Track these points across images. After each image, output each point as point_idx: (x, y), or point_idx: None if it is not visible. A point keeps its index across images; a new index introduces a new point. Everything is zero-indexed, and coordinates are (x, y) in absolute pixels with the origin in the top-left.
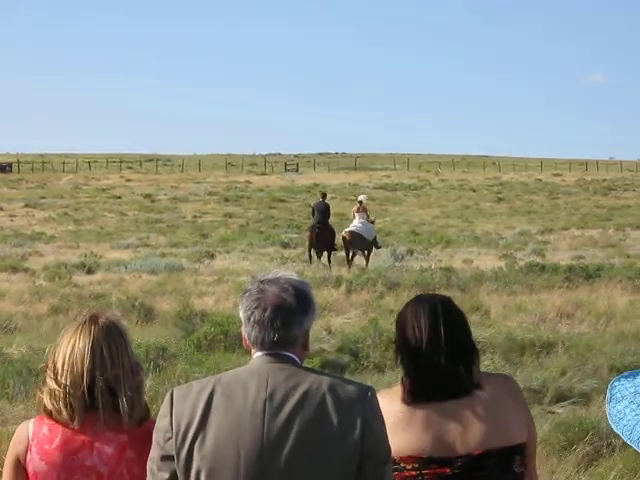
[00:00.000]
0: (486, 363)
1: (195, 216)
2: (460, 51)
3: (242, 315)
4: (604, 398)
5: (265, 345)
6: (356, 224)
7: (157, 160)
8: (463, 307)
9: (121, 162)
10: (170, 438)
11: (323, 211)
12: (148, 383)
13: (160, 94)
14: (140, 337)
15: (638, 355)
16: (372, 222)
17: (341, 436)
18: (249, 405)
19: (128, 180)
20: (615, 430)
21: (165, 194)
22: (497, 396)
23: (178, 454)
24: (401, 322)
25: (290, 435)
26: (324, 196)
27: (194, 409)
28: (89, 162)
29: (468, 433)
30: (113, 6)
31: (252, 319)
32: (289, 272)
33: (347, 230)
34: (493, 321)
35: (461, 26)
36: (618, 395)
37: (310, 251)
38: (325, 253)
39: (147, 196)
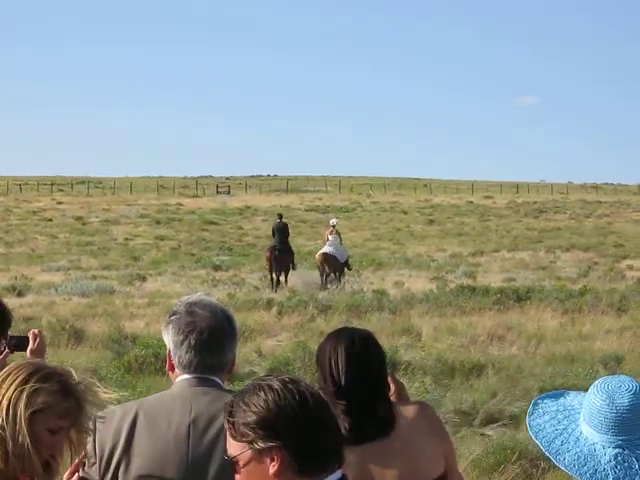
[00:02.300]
0: (416, 385)
1: (126, 239)
2: (390, 71)
3: (172, 338)
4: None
5: (199, 368)
6: (329, 246)
7: (88, 182)
8: (394, 329)
9: (52, 184)
10: (94, 463)
11: (282, 231)
12: None
13: (91, 116)
14: (70, 360)
15: (568, 377)
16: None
17: None
18: (173, 430)
19: (59, 203)
20: (535, 440)
21: (96, 217)
22: (413, 431)
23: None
24: (320, 360)
25: (214, 459)
26: (281, 216)
27: (118, 434)
28: (20, 184)
29: (385, 475)
30: (41, 31)
31: (187, 342)
32: (206, 295)
33: (321, 252)
34: (424, 343)
35: (391, 43)
36: (540, 411)
37: (271, 272)
38: (278, 272)
39: (78, 219)
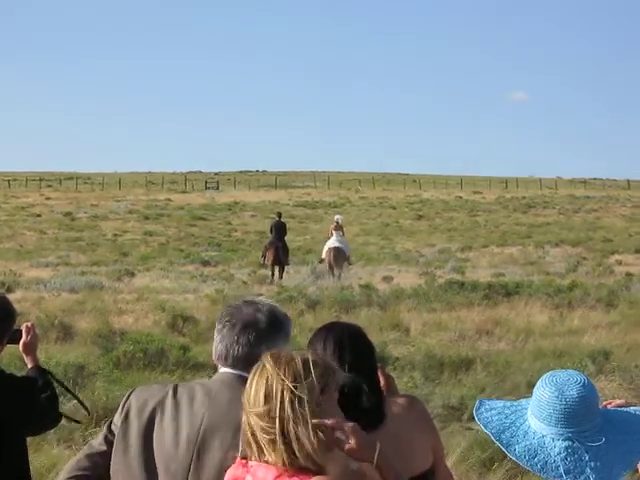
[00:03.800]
0: (405, 380)
1: (115, 234)
2: (381, 68)
3: (215, 330)
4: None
5: (228, 361)
6: (335, 240)
7: (77, 178)
8: (383, 324)
9: (41, 180)
10: (117, 427)
11: (280, 229)
12: (67, 403)
13: (80, 112)
14: (59, 355)
15: None
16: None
17: None
18: (189, 418)
19: (48, 198)
20: (484, 430)
21: (85, 212)
22: (402, 425)
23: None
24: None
25: (213, 458)
26: (279, 215)
27: (144, 406)
28: (8, 180)
29: (374, 469)
30: (22, 21)
31: (221, 334)
32: (270, 299)
33: (330, 247)
34: (413, 338)
35: (380, 42)
36: (487, 406)
37: (273, 267)
38: (277, 268)
39: (67, 214)
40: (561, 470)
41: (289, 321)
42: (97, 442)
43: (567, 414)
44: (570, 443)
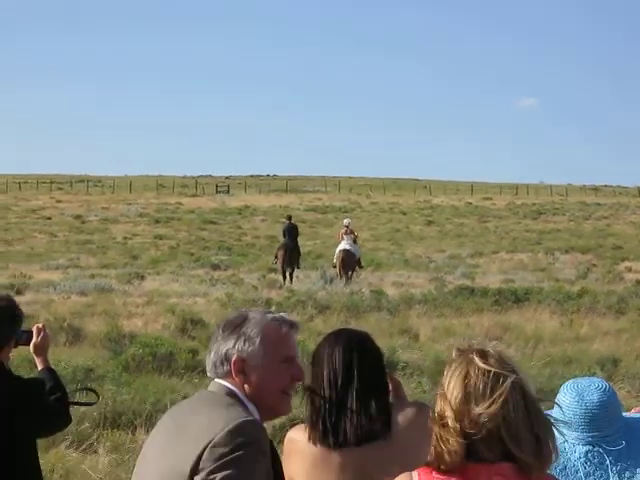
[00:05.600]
0: (413, 386)
1: (125, 237)
2: (391, 72)
3: None
4: None
5: (207, 368)
6: (345, 243)
7: (88, 181)
8: (392, 330)
9: (52, 183)
10: None
11: (292, 232)
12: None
13: (90, 114)
14: (68, 358)
15: (565, 379)
16: (354, 240)
17: None
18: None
19: (58, 201)
20: None
21: (95, 215)
22: (411, 432)
23: None
24: (317, 361)
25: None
26: (290, 218)
27: None
28: (19, 183)
29: (383, 477)
30: (35, 20)
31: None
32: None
33: (341, 249)
34: (422, 344)
35: (391, 45)
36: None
37: (284, 269)
38: (288, 269)
39: (77, 217)
40: (581, 474)
41: (254, 320)
42: None
43: (587, 419)
44: (590, 447)
